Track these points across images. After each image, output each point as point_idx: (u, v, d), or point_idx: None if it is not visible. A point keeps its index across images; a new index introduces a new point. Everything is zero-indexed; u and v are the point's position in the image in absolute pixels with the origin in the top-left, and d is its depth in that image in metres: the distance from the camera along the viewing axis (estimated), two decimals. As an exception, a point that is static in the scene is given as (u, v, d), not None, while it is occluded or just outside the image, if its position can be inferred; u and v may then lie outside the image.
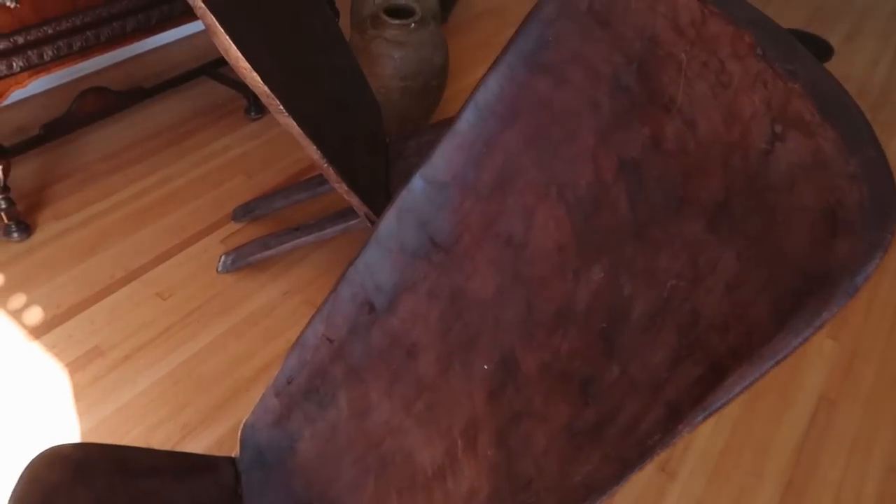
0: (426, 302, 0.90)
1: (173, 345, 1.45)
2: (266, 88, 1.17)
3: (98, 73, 2.16)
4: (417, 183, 0.90)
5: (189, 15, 1.68)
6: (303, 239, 1.56)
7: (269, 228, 1.73)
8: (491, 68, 0.85)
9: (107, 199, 1.76)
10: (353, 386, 0.96)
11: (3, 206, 1.55)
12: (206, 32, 1.11)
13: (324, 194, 1.72)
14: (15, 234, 1.60)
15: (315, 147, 1.27)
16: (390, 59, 1.85)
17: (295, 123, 1.23)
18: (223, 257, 1.63)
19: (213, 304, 1.55)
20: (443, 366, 0.86)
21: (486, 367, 0.81)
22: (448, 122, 1.72)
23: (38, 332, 1.44)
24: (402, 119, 1.97)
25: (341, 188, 1.37)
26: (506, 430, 0.74)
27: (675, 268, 0.62)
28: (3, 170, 1.49)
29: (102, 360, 1.40)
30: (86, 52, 1.51)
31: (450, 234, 0.88)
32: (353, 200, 1.40)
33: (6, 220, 1.58)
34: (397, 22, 1.85)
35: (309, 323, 1.00)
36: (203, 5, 1.06)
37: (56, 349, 1.41)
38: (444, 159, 0.87)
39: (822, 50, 2.19)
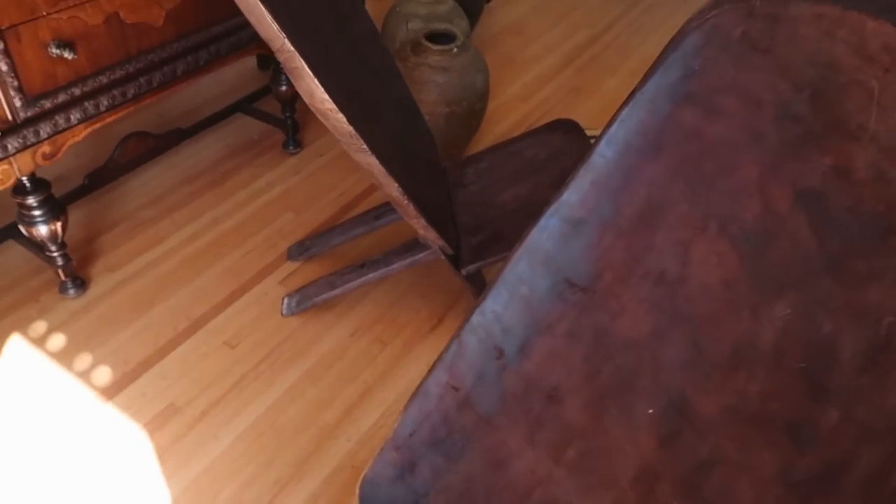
0: (565, 344, 0.87)
1: (250, 396, 1.40)
2: (350, 128, 1.14)
3: (129, 113, 2.11)
4: (549, 221, 0.86)
5: (236, 53, 1.65)
6: (370, 276, 1.52)
7: (328, 266, 1.70)
8: (627, 101, 0.82)
9: (158, 246, 1.71)
10: (486, 434, 0.93)
11: (61, 263, 1.50)
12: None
13: (381, 227, 1.69)
14: (71, 291, 1.55)
15: (397, 184, 1.24)
16: (435, 86, 1.83)
17: (377, 161, 1.20)
18: (286, 300, 1.59)
19: (283, 349, 1.50)
20: (594, 411, 0.83)
21: (650, 411, 0.77)
22: (502, 148, 1.69)
23: (109, 392, 1.39)
24: (447, 144, 1.94)
25: (419, 223, 1.34)
26: (693, 479, 0.71)
27: (890, 304, 0.59)
28: (63, 226, 1.44)
29: (181, 418, 1.35)
30: (139, 98, 1.47)
31: (588, 272, 0.84)
32: (431, 235, 1.36)
33: (63, 277, 1.53)
34: (440, 47, 1.82)
35: (430, 372, 0.96)
36: (293, 48, 1.03)
37: (131, 409, 1.36)
38: (578, 196, 0.84)
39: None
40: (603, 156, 0.83)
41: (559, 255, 0.87)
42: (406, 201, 1.27)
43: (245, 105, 2.08)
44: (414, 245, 1.52)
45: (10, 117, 1.26)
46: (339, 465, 1.30)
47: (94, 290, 1.59)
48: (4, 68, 1.22)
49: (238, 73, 2.32)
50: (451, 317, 1.61)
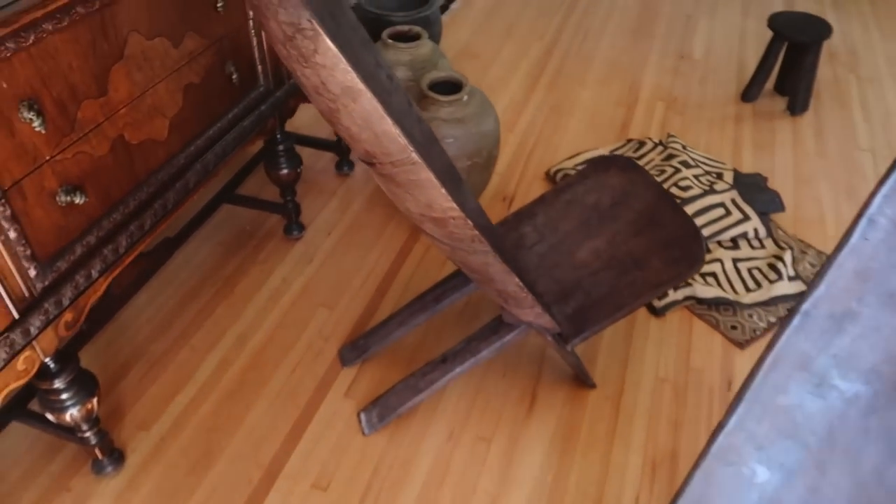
0: (848, 452, 0.75)
1: (368, 544, 1.21)
2: (475, 233, 0.97)
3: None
4: (805, 321, 0.74)
5: (241, 145, 1.42)
6: (457, 370, 1.35)
7: (390, 363, 1.51)
8: (888, 175, 0.71)
9: (187, 385, 1.46)
10: (760, 569, 0.80)
11: (95, 441, 1.23)
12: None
13: (441, 310, 1.51)
14: (109, 468, 1.28)
15: (517, 279, 1.08)
16: (453, 140, 1.67)
17: (499, 260, 1.04)
18: (364, 416, 1.39)
19: (382, 476, 1.31)
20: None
21: None
22: (554, 197, 1.55)
23: (204, 586, 1.15)
24: (468, 198, 1.79)
25: (532, 312, 1.19)
26: None
27: None
28: (98, 400, 1.17)
29: None
30: (156, 226, 1.23)
31: (867, 368, 0.73)
32: (544, 321, 1.22)
33: (100, 455, 1.26)
34: (450, 98, 1.67)
35: (672, 507, 0.82)
36: (419, 159, 0.85)
37: None
38: (840, 286, 0.73)
39: (823, 29, 2.22)
40: (866, 238, 0.72)
41: (822, 354, 0.75)
42: (525, 294, 1.11)
43: (228, 194, 1.83)
44: (498, 326, 1.36)
45: (26, 293, 1.00)
46: None
47: (133, 458, 1.32)
48: (13, 235, 0.96)
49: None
50: (543, 391, 1.46)
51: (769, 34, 2.33)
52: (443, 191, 0.89)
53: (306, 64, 0.75)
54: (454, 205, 0.91)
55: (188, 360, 1.51)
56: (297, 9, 0.72)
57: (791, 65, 2.33)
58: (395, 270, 1.74)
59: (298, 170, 1.68)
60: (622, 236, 1.40)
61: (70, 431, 1.22)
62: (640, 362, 1.52)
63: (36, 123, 0.95)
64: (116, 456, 1.29)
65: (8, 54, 0.89)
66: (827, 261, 0.75)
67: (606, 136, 2.23)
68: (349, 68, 0.73)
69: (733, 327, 1.60)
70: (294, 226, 1.80)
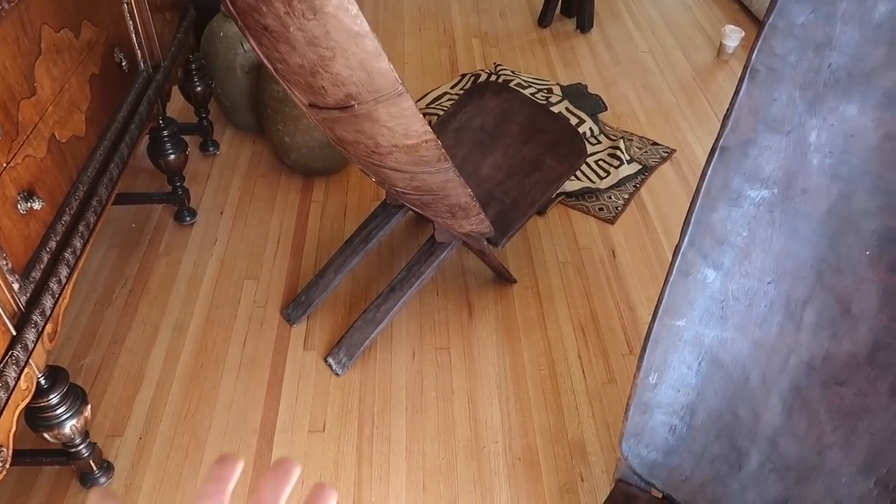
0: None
1: (381, 461, 1.33)
2: (450, 163, 1.12)
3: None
4: (721, 153, 1.00)
5: (145, 126, 1.40)
6: (409, 293, 1.49)
7: (338, 310, 1.60)
8: (756, 42, 0.97)
9: (143, 384, 1.44)
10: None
11: (86, 454, 1.20)
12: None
13: (373, 249, 1.63)
14: (102, 479, 1.25)
15: (469, 190, 1.25)
16: (331, 96, 1.75)
17: (458, 174, 1.20)
18: (331, 360, 1.49)
19: (369, 404, 1.43)
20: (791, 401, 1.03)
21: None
22: (441, 128, 1.71)
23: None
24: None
25: (477, 220, 1.36)
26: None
27: None
28: (92, 408, 1.15)
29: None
30: (97, 223, 1.20)
31: (765, 178, 1.02)
32: (485, 227, 1.39)
33: (94, 468, 1.22)
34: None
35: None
36: (406, 90, 0.98)
37: None
38: (741, 123, 0.99)
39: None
40: (752, 81, 0.99)
41: (736, 175, 1.02)
42: (474, 202, 1.28)
43: (103, 196, 1.75)
44: (433, 248, 1.52)
45: (15, 308, 0.96)
46: (507, 463, 1.34)
47: (120, 464, 1.30)
48: (-5, 250, 0.92)
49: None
50: (475, 297, 1.66)
51: (549, -35, 2.66)
52: (420, 116, 1.02)
53: (314, 17, 0.84)
54: (428, 128, 1.05)
55: (131, 361, 1.48)
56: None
57: (573, -11, 2.69)
58: (303, 229, 1.81)
59: (186, 153, 1.66)
60: (514, 148, 1.62)
61: (48, 454, 1.17)
62: (542, 254, 1.78)
63: (-8, 129, 0.91)
64: (106, 465, 1.27)
65: (-42, 59, 0.85)
66: (729, 106, 1.01)
67: (441, 75, 2.43)
68: (359, 12, 0.83)
69: (600, 209, 1.91)
70: (186, 211, 1.78)
